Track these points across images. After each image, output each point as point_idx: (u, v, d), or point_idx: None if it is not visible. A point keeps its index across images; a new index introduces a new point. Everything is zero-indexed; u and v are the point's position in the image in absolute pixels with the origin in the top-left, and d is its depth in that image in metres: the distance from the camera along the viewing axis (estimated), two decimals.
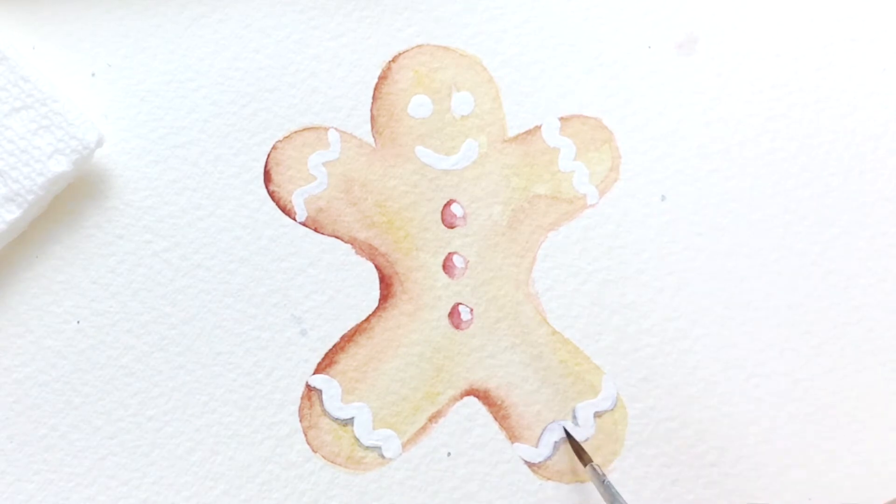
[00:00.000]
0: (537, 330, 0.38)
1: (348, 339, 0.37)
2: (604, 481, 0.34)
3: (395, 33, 0.39)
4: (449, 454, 0.37)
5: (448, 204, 0.38)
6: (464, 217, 0.38)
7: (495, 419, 0.37)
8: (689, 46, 0.40)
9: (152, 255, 0.37)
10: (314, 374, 0.37)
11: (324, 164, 0.38)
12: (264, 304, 0.37)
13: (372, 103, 0.39)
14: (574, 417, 0.37)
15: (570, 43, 0.39)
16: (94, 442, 0.36)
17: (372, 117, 0.39)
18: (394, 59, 0.39)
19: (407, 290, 0.37)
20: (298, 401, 0.37)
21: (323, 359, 0.37)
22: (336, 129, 0.38)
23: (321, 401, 0.37)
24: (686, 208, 0.38)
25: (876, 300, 0.38)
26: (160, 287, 0.37)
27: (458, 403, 0.37)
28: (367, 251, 0.38)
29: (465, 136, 0.39)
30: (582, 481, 0.37)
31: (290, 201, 0.38)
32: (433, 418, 0.37)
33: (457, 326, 0.37)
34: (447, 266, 0.38)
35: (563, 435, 0.37)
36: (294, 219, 0.38)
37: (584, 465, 0.36)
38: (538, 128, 0.39)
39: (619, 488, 0.37)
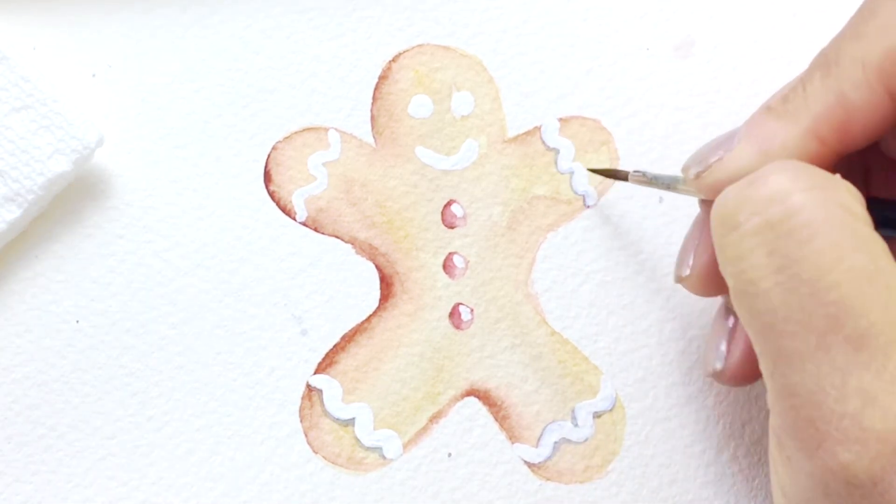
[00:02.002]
0: (536, 330, 0.38)
1: (349, 339, 0.37)
2: (651, 177, 0.35)
3: (396, 33, 0.39)
4: (450, 455, 0.37)
5: (448, 204, 0.38)
6: (464, 217, 0.38)
7: (495, 419, 0.37)
8: (687, 49, 0.40)
9: (152, 255, 0.37)
10: (314, 373, 0.37)
11: (324, 164, 0.38)
12: (264, 304, 0.37)
13: (372, 103, 0.39)
14: (573, 418, 0.37)
15: (569, 44, 0.39)
16: (93, 442, 0.36)
17: (372, 117, 0.39)
18: (394, 59, 0.39)
19: (407, 290, 0.38)
20: (299, 401, 0.37)
21: (323, 359, 0.37)
22: (336, 129, 0.38)
23: (322, 401, 0.37)
24: (683, 210, 0.39)
25: None
26: (160, 287, 0.37)
27: (459, 404, 0.37)
28: (368, 251, 0.38)
29: (465, 136, 0.39)
30: (581, 482, 0.37)
31: (290, 201, 0.38)
32: (434, 418, 0.37)
33: (457, 327, 0.37)
34: (447, 266, 0.38)
35: (563, 435, 0.37)
36: (294, 219, 0.38)
37: (626, 178, 0.36)
38: (537, 128, 0.39)
39: (617, 489, 0.37)
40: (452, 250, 0.38)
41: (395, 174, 0.38)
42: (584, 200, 0.39)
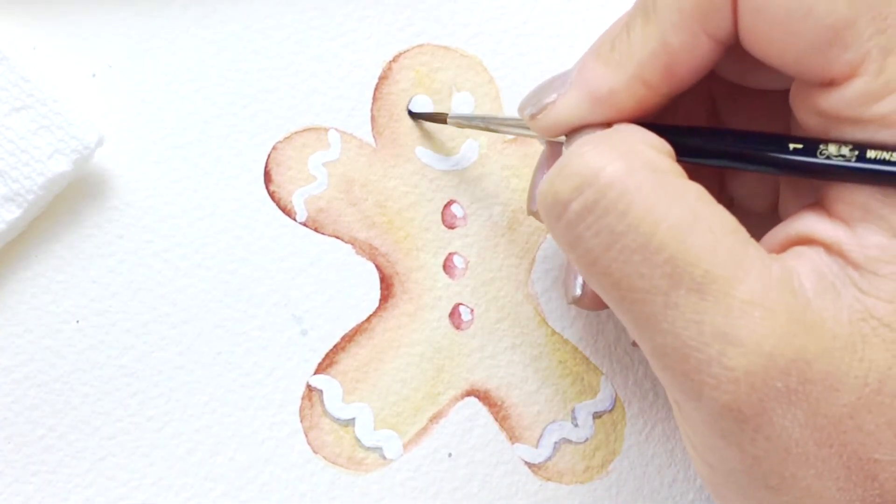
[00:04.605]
0: (537, 330, 0.38)
1: (349, 339, 0.37)
2: (470, 119, 0.36)
3: (396, 33, 0.39)
4: (450, 455, 0.37)
5: (448, 204, 0.38)
6: (464, 218, 0.38)
7: (496, 419, 0.37)
8: None
9: (152, 255, 0.37)
10: (315, 374, 0.37)
11: (324, 164, 0.38)
12: (264, 304, 0.37)
13: (372, 103, 0.39)
14: (573, 418, 0.37)
15: (569, 44, 0.39)
16: (93, 442, 0.36)
17: (372, 117, 0.39)
18: (394, 59, 0.39)
19: (407, 291, 0.38)
20: (299, 401, 0.37)
21: (323, 359, 0.37)
22: (336, 129, 0.38)
23: (322, 401, 0.37)
24: None
25: None
26: (160, 287, 0.37)
27: (459, 404, 0.37)
28: (368, 251, 0.38)
29: (466, 136, 0.39)
30: (581, 482, 0.37)
31: (291, 201, 0.38)
32: (434, 419, 0.37)
33: (457, 327, 0.37)
34: (447, 266, 0.38)
35: (563, 435, 0.37)
36: (294, 219, 0.38)
37: (444, 122, 0.37)
38: None
39: (618, 489, 0.37)
40: (452, 250, 0.38)
41: (395, 174, 0.38)
42: None
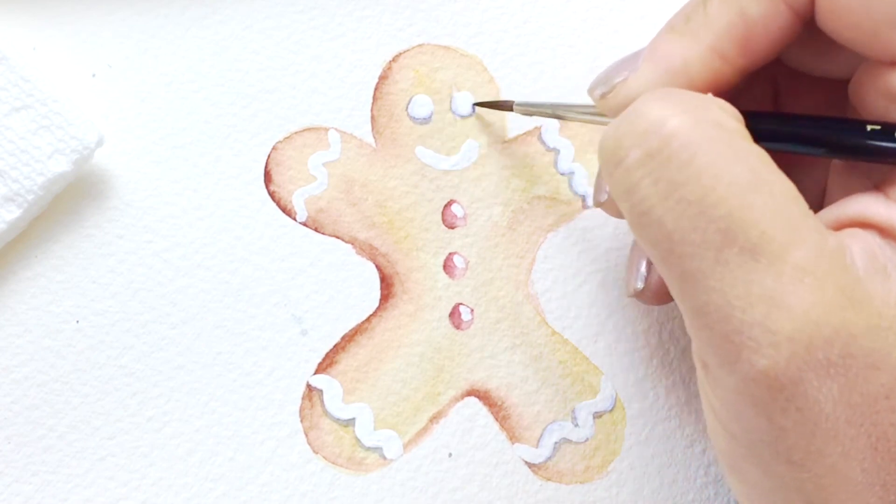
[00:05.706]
0: (537, 331, 0.38)
1: (349, 339, 0.37)
2: (537, 105, 0.36)
3: (396, 33, 0.39)
4: (450, 455, 0.37)
5: (448, 204, 0.38)
6: (464, 217, 0.38)
7: (496, 420, 0.37)
8: None
9: (152, 255, 0.37)
10: (315, 374, 0.37)
11: (324, 164, 0.38)
12: (264, 304, 0.37)
13: (372, 103, 0.39)
14: (574, 418, 0.37)
15: (569, 44, 0.39)
16: (93, 443, 0.36)
17: (372, 117, 0.39)
18: (394, 59, 0.39)
19: (408, 291, 0.38)
20: (299, 401, 0.37)
21: (323, 359, 0.37)
22: (336, 129, 0.38)
23: (322, 401, 0.37)
24: None
25: None
26: (160, 287, 0.37)
27: (459, 404, 0.37)
28: (368, 251, 0.38)
29: (466, 136, 0.39)
30: (581, 482, 0.37)
31: (291, 202, 0.38)
32: (434, 419, 0.37)
33: (457, 327, 0.37)
34: (447, 266, 0.38)
35: (563, 435, 0.37)
36: (294, 219, 0.38)
37: (511, 109, 0.37)
38: (538, 129, 0.39)
39: (618, 489, 0.37)
40: (453, 250, 0.38)
41: (395, 174, 0.38)
42: (583, 201, 0.39)
